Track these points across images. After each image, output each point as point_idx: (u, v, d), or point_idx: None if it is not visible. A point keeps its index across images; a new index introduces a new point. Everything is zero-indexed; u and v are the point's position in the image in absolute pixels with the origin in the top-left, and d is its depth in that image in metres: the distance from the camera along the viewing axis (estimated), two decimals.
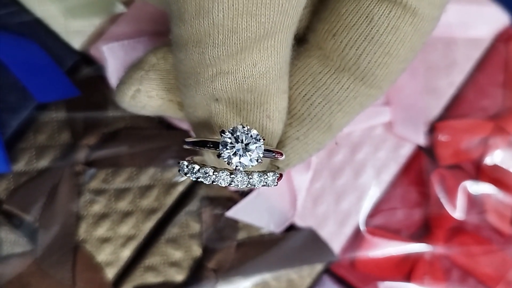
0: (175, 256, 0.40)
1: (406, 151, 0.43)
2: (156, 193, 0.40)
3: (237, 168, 0.25)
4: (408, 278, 0.41)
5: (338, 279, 0.42)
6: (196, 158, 0.29)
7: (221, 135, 0.25)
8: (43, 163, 0.39)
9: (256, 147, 0.25)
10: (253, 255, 0.40)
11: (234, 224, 0.40)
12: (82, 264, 0.39)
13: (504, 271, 0.42)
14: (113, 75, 0.38)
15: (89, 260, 0.39)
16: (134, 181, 0.40)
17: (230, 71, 0.25)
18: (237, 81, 0.25)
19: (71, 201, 0.39)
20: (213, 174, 0.25)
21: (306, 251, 0.41)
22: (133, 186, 0.40)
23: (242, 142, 0.25)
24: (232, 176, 0.25)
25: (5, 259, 0.38)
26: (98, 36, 0.40)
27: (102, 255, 0.39)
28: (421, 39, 0.26)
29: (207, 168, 0.25)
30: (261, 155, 0.25)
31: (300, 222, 0.41)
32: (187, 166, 0.26)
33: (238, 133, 0.25)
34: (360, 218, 0.42)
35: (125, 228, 0.40)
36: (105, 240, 0.39)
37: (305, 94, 0.28)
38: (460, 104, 0.44)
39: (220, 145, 0.25)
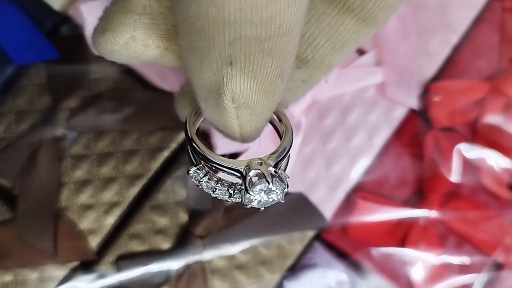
0: (161, 223, 0.39)
1: (399, 113, 0.41)
2: (140, 158, 0.39)
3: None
4: (402, 244, 0.40)
5: (329, 245, 0.40)
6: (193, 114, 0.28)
7: (248, 182, 0.24)
8: (23, 127, 0.38)
9: (279, 190, 0.25)
10: (241, 221, 0.38)
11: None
12: (64, 232, 0.38)
13: (501, 236, 0.41)
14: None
15: (71, 228, 0.38)
16: (117, 145, 0.39)
17: (252, 31, 0.22)
18: (260, 42, 0.23)
19: (52, 167, 0.38)
20: (229, 199, 0.25)
21: (296, 216, 0.39)
22: (116, 151, 0.39)
23: (267, 189, 0.24)
24: (236, 197, 0.25)
25: None
26: None
27: (85, 223, 0.38)
28: None
29: (212, 183, 0.25)
30: (282, 199, 0.25)
31: (290, 187, 0.39)
32: (195, 171, 0.25)
33: (266, 183, 0.24)
34: (352, 182, 0.40)
35: (108, 195, 0.38)
36: (87, 207, 0.38)
37: (310, 36, 0.27)
38: (455, 65, 0.42)
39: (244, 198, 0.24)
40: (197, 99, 0.27)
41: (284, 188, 0.25)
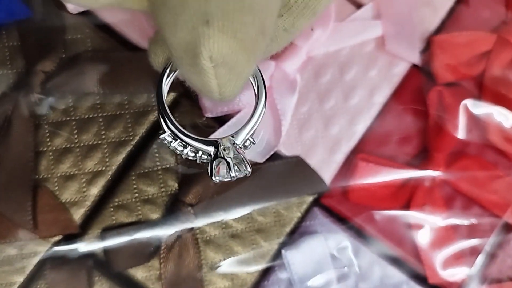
0: (149, 193, 0.36)
1: (400, 69, 0.39)
2: (124, 123, 0.36)
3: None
4: (406, 207, 0.38)
5: (329, 211, 0.38)
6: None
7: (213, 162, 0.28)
8: None
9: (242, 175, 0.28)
10: (234, 187, 0.36)
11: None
12: (43, 205, 0.35)
13: (511, 197, 0.39)
14: None
15: (52, 200, 0.35)
16: (99, 110, 0.36)
17: None
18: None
19: (28, 134, 0.35)
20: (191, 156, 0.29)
21: (293, 181, 0.37)
22: (98, 116, 0.36)
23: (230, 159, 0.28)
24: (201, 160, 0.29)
25: None
26: None
27: (66, 194, 0.35)
28: None
29: (185, 151, 0.28)
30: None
31: (286, 151, 0.37)
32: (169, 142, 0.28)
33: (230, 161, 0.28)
34: (352, 144, 0.38)
35: (91, 164, 0.36)
36: (69, 178, 0.35)
37: None
38: (459, 17, 0.39)
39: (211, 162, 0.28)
40: (172, 56, 0.25)
41: (247, 174, 0.28)
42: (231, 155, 0.28)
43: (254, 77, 0.28)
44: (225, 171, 0.28)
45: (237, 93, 0.26)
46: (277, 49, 0.28)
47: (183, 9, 0.22)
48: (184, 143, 0.28)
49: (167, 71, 0.28)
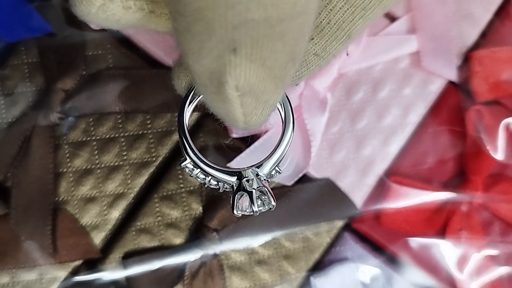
0: (172, 216, 0.35)
1: (436, 87, 0.37)
2: (146, 143, 0.35)
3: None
4: (442, 233, 0.36)
5: (361, 236, 0.36)
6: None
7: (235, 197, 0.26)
8: (13, 113, 0.34)
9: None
10: (261, 212, 0.34)
11: (238, 176, 0.35)
12: (63, 228, 0.34)
13: None
14: None
15: (72, 223, 0.34)
16: (120, 130, 0.34)
17: (261, 13, 0.19)
18: (270, 25, 0.19)
19: (47, 155, 0.34)
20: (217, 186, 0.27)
21: (323, 205, 0.35)
22: (119, 136, 0.34)
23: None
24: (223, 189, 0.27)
25: None
26: None
27: (87, 218, 0.34)
28: None
29: (207, 179, 0.27)
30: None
31: (315, 173, 0.35)
32: (191, 170, 0.27)
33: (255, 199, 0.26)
34: (385, 165, 0.36)
35: (112, 186, 0.34)
36: (89, 200, 0.34)
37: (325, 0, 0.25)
38: (499, 31, 0.37)
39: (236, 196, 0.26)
40: (195, 83, 0.23)
41: (271, 208, 0.26)
42: (255, 186, 0.26)
43: (281, 104, 0.27)
44: (248, 204, 0.26)
45: (263, 122, 0.24)
46: (307, 75, 0.26)
47: (208, 36, 0.20)
48: (205, 172, 0.27)
49: (190, 96, 0.26)
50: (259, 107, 0.23)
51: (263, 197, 0.26)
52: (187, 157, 0.27)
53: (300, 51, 0.23)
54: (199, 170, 0.27)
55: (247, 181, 0.26)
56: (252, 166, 0.27)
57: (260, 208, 0.26)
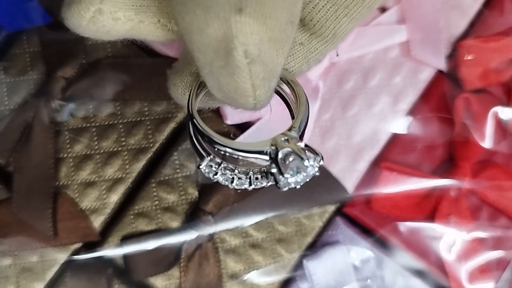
0: (169, 200, 0.36)
1: (425, 75, 0.38)
2: (144, 130, 0.36)
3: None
4: (431, 217, 0.37)
5: (352, 221, 0.37)
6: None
7: (273, 171, 0.22)
8: (15, 100, 0.35)
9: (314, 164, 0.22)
10: (254, 195, 0.35)
11: (233, 161, 0.36)
12: (63, 212, 0.35)
13: None
14: None
15: (72, 207, 0.35)
16: (119, 117, 0.36)
17: None
18: None
19: (48, 141, 0.35)
20: (250, 186, 0.24)
21: (315, 189, 0.36)
22: (118, 123, 0.36)
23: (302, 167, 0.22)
24: (253, 186, 0.24)
25: None
26: None
27: (86, 202, 0.35)
28: None
29: (233, 174, 0.23)
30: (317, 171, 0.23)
31: None
32: (215, 173, 0.24)
33: (292, 166, 0.22)
34: (375, 152, 0.37)
35: (110, 171, 0.35)
36: (88, 185, 0.35)
37: None
38: (487, 21, 0.38)
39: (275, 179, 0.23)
40: (199, 66, 0.24)
41: (320, 160, 0.23)
42: (293, 146, 0.22)
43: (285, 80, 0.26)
44: (298, 162, 0.22)
45: (269, 96, 0.25)
46: (295, 69, 0.26)
47: (215, 1, 0.21)
48: (230, 168, 0.24)
49: (194, 91, 0.26)
50: (267, 77, 0.23)
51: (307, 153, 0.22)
52: (206, 155, 0.24)
53: (297, 14, 0.23)
54: (222, 167, 0.24)
55: (286, 140, 0.22)
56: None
57: (312, 163, 0.22)
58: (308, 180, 0.23)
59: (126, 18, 0.23)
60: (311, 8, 0.25)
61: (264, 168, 0.24)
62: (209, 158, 0.24)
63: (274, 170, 0.22)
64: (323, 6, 0.25)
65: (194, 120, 0.24)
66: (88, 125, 0.35)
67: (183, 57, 0.27)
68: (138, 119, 0.36)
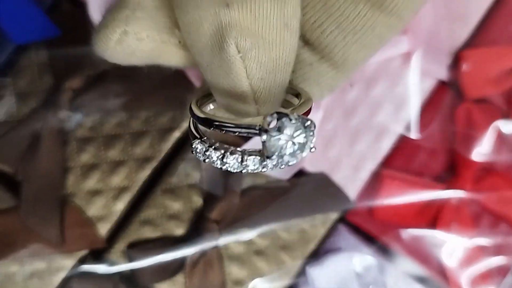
0: (174, 208, 0.36)
1: (427, 85, 0.38)
2: (150, 139, 0.36)
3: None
4: (433, 225, 0.37)
5: (355, 228, 0.38)
6: (201, 93, 0.26)
7: (264, 133, 0.21)
8: (24, 110, 0.36)
9: (308, 139, 0.21)
10: (259, 204, 0.36)
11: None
12: (71, 219, 0.36)
13: None
14: (95, 13, 0.34)
15: (79, 215, 0.36)
16: (125, 127, 0.36)
17: None
18: None
19: (56, 151, 0.35)
20: (241, 165, 0.22)
21: (318, 198, 0.37)
22: (124, 133, 0.36)
23: (290, 138, 0.21)
24: (264, 163, 0.22)
25: None
26: None
27: (93, 209, 0.36)
28: None
29: (231, 158, 0.22)
30: (312, 146, 0.21)
31: (310, 167, 0.37)
32: (204, 152, 0.23)
33: (285, 128, 0.21)
34: (377, 161, 0.37)
35: (117, 179, 0.36)
36: (95, 193, 0.36)
37: (315, 21, 0.25)
38: (488, 31, 0.39)
39: (266, 145, 0.21)
40: (202, 72, 0.25)
41: (313, 129, 0.21)
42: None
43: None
44: (287, 121, 0.21)
45: (273, 103, 0.25)
46: (305, 85, 0.26)
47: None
48: (221, 147, 0.23)
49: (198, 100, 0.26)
50: (266, 79, 0.24)
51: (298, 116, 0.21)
52: (195, 133, 0.24)
53: (291, 16, 0.24)
54: (212, 148, 0.23)
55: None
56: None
57: (301, 122, 0.21)
58: (302, 153, 0.21)
59: (149, 39, 0.24)
60: (319, 33, 0.25)
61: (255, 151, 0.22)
62: (201, 139, 0.23)
63: (264, 137, 0.21)
64: (331, 32, 0.25)
65: (191, 106, 0.24)
66: (95, 135, 0.36)
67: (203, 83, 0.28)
68: (144, 129, 0.36)
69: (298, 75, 0.26)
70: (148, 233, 0.36)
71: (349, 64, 0.26)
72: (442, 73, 0.38)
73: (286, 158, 0.21)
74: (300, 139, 0.21)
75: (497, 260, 0.38)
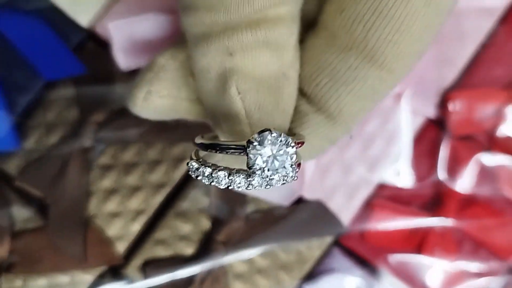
0: (185, 230, 0.40)
1: (416, 123, 0.42)
2: (164, 168, 0.40)
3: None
4: (418, 250, 0.41)
5: (347, 251, 0.42)
6: (207, 136, 0.28)
7: (248, 145, 0.22)
8: (53, 140, 0.40)
9: (288, 154, 0.23)
10: (262, 228, 0.40)
11: (242, 197, 0.40)
12: (92, 238, 0.40)
13: None
14: (118, 53, 0.38)
15: (100, 234, 0.40)
16: (143, 156, 0.40)
17: (243, 29, 0.24)
18: (253, 35, 0.24)
19: (81, 177, 0.39)
20: (228, 179, 0.23)
21: (314, 223, 0.41)
22: (142, 161, 0.40)
23: (271, 152, 0.22)
24: (250, 179, 0.23)
25: (17, 235, 0.39)
26: (105, 12, 0.40)
27: (112, 230, 0.40)
28: (437, 17, 0.25)
29: (220, 173, 0.23)
30: (294, 164, 0.23)
31: (308, 195, 0.41)
32: (197, 169, 0.24)
33: (267, 141, 0.22)
34: (369, 191, 0.41)
35: (134, 203, 0.40)
36: (115, 215, 0.40)
37: (311, 75, 0.27)
38: (473, 74, 0.42)
39: (249, 160, 0.22)
40: (208, 112, 0.28)
41: (293, 146, 0.23)
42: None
43: None
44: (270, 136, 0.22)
45: None
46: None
47: (207, 48, 0.25)
48: (212, 168, 0.24)
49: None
50: (264, 120, 0.25)
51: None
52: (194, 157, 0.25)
53: (288, 65, 0.26)
54: (204, 166, 0.24)
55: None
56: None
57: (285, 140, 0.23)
58: (282, 176, 0.23)
59: (170, 96, 0.28)
60: (314, 85, 0.27)
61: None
62: (196, 160, 0.25)
63: (247, 150, 0.22)
64: (325, 84, 0.26)
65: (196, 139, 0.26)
66: (116, 163, 0.40)
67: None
68: (159, 159, 0.40)
69: (297, 125, 0.28)
70: (161, 251, 0.40)
71: (345, 115, 0.27)
72: (430, 111, 0.42)
73: (268, 173, 0.23)
74: (281, 154, 0.22)
75: (477, 283, 0.42)
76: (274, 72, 0.26)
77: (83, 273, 0.40)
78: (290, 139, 0.23)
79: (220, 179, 0.23)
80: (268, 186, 0.23)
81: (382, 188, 0.41)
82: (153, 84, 0.28)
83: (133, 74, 0.40)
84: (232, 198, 0.40)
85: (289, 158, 0.23)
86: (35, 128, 0.40)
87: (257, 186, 0.23)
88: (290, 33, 0.26)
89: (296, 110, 0.28)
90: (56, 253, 0.39)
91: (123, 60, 0.38)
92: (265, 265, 0.41)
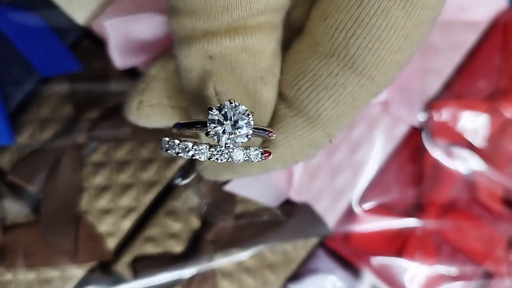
0: (174, 228, 0.41)
1: (401, 130, 0.43)
2: (156, 166, 0.41)
3: (226, 145, 0.25)
4: (399, 253, 0.43)
5: (331, 252, 0.43)
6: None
7: (208, 113, 0.24)
8: (46, 135, 0.40)
9: (245, 123, 0.24)
10: (249, 228, 0.41)
11: (232, 198, 0.41)
12: (84, 234, 0.40)
13: (492, 247, 0.44)
14: (114, 51, 0.39)
15: (91, 230, 0.40)
16: (135, 154, 0.41)
17: (223, 35, 0.26)
18: (231, 41, 0.26)
19: (74, 173, 0.40)
20: (192, 148, 0.25)
21: (301, 224, 0.42)
22: (134, 160, 0.41)
23: (230, 119, 0.24)
24: (212, 149, 0.25)
25: (10, 229, 0.39)
26: (101, 10, 0.41)
27: (103, 226, 0.41)
28: (417, 28, 0.26)
29: (186, 142, 0.25)
30: (251, 132, 0.25)
31: (296, 197, 0.42)
32: (168, 142, 0.26)
33: (226, 110, 0.24)
34: (355, 194, 0.43)
35: (125, 200, 0.41)
36: (106, 212, 0.41)
37: (293, 79, 0.28)
38: (457, 85, 0.44)
39: (207, 123, 0.24)
40: (190, 111, 0.29)
41: (249, 116, 0.24)
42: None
43: None
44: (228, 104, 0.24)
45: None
46: (280, 142, 0.29)
47: (189, 50, 0.27)
48: (180, 139, 0.26)
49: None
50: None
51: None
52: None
53: (267, 72, 0.27)
54: (174, 140, 0.26)
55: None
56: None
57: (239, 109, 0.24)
58: (244, 128, 0.24)
59: (160, 105, 0.30)
60: (295, 89, 0.28)
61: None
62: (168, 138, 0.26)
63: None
64: (306, 89, 0.27)
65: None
66: (109, 160, 0.41)
67: None
68: (151, 157, 0.41)
69: (276, 128, 0.29)
70: (151, 249, 0.41)
71: (323, 119, 0.28)
72: (414, 120, 0.43)
73: (228, 142, 0.24)
74: (239, 121, 0.24)
75: (455, 286, 0.43)
76: (251, 76, 0.27)
77: (73, 268, 0.40)
78: (247, 110, 0.24)
79: (187, 149, 0.25)
80: (230, 159, 0.25)
81: (366, 192, 0.43)
82: (144, 94, 0.29)
83: (128, 73, 0.41)
84: (222, 199, 0.42)
85: (248, 126, 0.24)
86: (29, 123, 0.40)
87: (218, 156, 0.25)
88: (269, 40, 0.27)
89: (275, 113, 0.29)
90: (47, 248, 0.40)
91: (118, 58, 0.38)
92: (252, 264, 0.42)
